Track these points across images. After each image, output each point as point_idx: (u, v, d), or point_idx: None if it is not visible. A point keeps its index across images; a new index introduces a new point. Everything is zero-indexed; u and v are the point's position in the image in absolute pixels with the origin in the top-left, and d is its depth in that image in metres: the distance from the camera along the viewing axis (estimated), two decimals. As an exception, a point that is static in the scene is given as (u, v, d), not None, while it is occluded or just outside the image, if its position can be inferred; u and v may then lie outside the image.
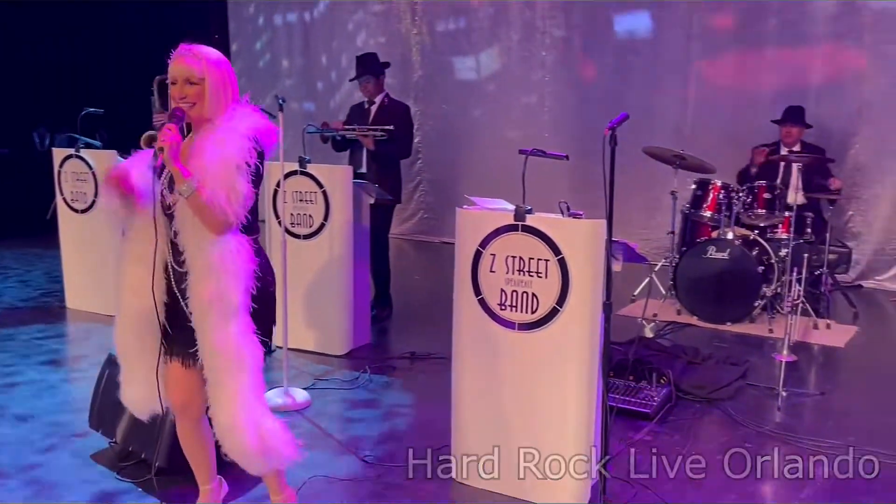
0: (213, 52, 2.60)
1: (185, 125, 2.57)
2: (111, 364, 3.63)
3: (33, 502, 3.20)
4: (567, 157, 3.36)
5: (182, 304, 2.60)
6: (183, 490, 3.17)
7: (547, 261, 3.12)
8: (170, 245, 2.60)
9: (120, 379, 2.76)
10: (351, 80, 5.99)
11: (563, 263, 3.09)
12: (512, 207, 3.22)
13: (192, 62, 2.52)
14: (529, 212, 3.16)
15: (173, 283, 2.61)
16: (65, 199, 5.98)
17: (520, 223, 3.16)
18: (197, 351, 2.58)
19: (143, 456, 3.40)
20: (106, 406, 3.58)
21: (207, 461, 2.93)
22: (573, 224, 3.10)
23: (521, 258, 3.17)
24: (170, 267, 2.61)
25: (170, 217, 2.57)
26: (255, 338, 2.59)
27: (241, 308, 2.54)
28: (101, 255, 5.70)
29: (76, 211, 5.94)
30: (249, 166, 2.49)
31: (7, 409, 4.12)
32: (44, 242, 7.06)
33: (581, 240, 3.08)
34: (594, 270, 3.07)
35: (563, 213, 3.14)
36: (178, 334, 2.66)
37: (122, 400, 2.80)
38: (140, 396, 2.73)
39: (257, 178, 2.55)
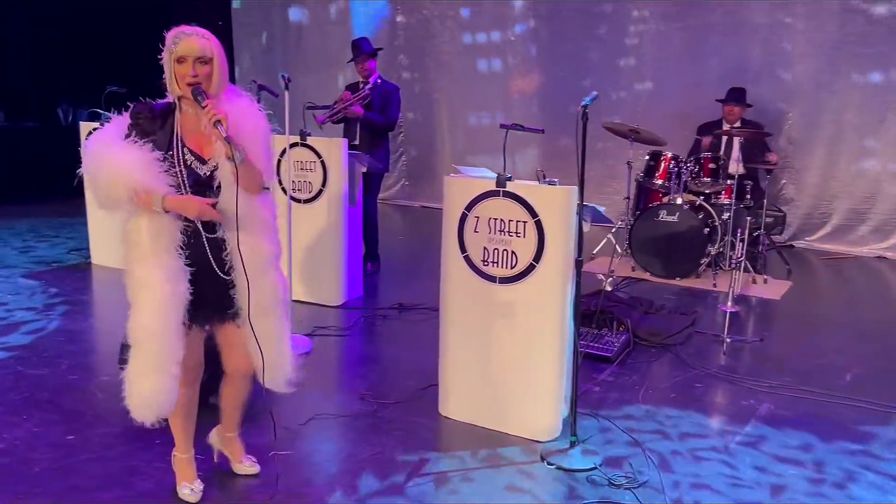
0: (212, 35, 2.46)
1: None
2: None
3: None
4: (543, 131, 3.32)
5: (217, 270, 2.45)
6: (201, 424, 3.13)
7: (525, 222, 3.09)
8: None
9: (130, 374, 2.43)
10: (348, 62, 5.88)
11: (539, 225, 3.06)
12: (494, 175, 3.18)
13: (202, 42, 2.38)
14: (509, 179, 3.12)
15: (208, 251, 2.45)
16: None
17: (501, 189, 3.12)
18: (220, 312, 2.50)
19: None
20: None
21: (192, 428, 2.73)
22: (548, 190, 3.07)
23: (501, 220, 3.14)
24: (204, 237, 2.44)
25: (196, 187, 2.41)
26: (284, 276, 2.63)
27: (273, 254, 2.55)
28: (121, 216, 5.58)
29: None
30: (270, 133, 2.50)
31: (42, 353, 4.05)
32: (71, 207, 6.90)
33: (555, 203, 3.05)
34: (566, 230, 3.06)
35: (539, 180, 3.10)
36: (214, 300, 2.50)
37: (132, 397, 2.44)
38: (156, 388, 2.41)
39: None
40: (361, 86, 5.66)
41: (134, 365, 2.41)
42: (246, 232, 2.44)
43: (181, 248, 2.41)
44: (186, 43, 2.36)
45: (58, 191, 6.65)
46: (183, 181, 2.39)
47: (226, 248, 2.46)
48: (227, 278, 2.47)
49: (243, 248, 2.43)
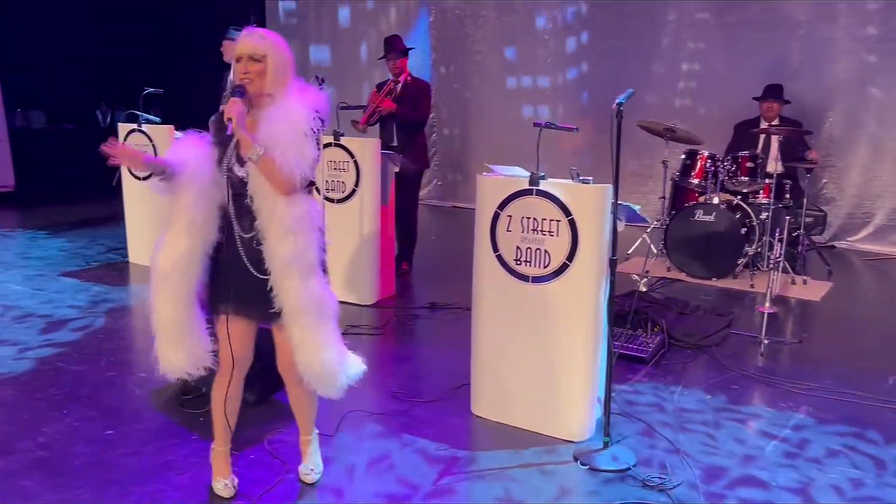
0: (275, 35, 2.53)
1: (247, 99, 2.48)
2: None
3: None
4: (577, 130, 3.30)
5: (252, 270, 2.50)
6: (239, 419, 3.18)
7: (558, 221, 3.08)
8: (234, 214, 2.50)
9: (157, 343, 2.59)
10: (379, 59, 5.92)
11: (572, 224, 3.05)
12: (527, 174, 3.18)
13: (256, 40, 2.46)
14: (543, 178, 3.11)
15: (239, 248, 2.51)
16: (128, 168, 5.97)
17: (534, 188, 3.11)
18: (261, 308, 2.52)
19: (203, 390, 3.40)
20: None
21: (234, 422, 2.77)
22: (582, 188, 3.06)
23: (534, 219, 3.13)
24: (236, 235, 2.51)
25: (237, 188, 2.49)
26: (330, 289, 2.54)
27: (317, 263, 2.50)
28: (159, 217, 5.68)
29: (137, 178, 5.94)
30: (315, 133, 2.45)
31: (82, 350, 4.15)
32: (109, 206, 7.06)
33: (589, 202, 3.04)
34: (600, 229, 3.04)
35: (573, 178, 3.09)
36: (250, 300, 2.54)
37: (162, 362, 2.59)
38: (177, 357, 2.57)
39: (319, 145, 2.50)
40: (393, 83, 5.69)
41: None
42: (282, 233, 2.44)
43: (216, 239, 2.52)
44: (242, 42, 2.47)
45: (97, 191, 6.82)
46: (228, 182, 2.47)
47: (260, 246, 2.49)
48: (265, 277, 2.48)
49: (275, 249, 2.45)
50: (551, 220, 3.09)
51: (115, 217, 6.27)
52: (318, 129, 2.46)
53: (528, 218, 3.14)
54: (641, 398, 3.64)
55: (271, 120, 2.45)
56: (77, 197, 8.87)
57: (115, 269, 5.90)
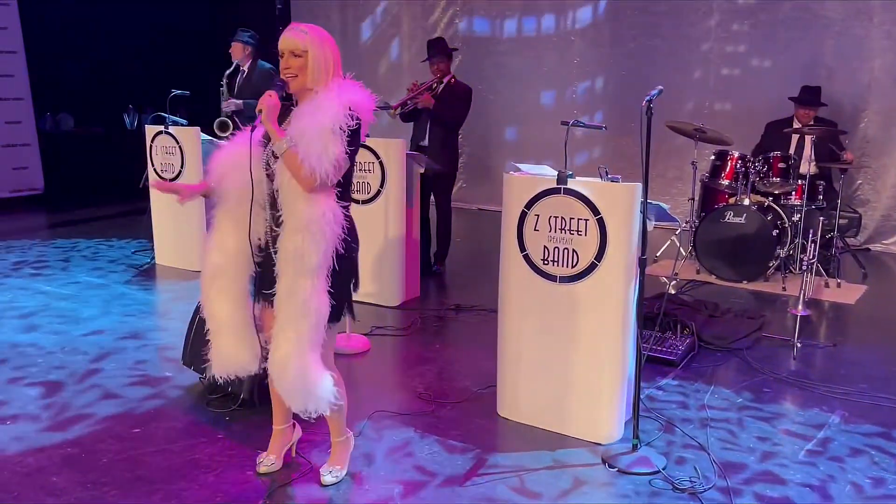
0: (318, 30, 2.56)
1: (286, 94, 2.56)
2: (202, 309, 3.69)
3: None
4: (605, 128, 3.29)
5: (272, 252, 2.59)
6: (263, 421, 3.21)
7: (587, 220, 3.06)
8: (269, 205, 2.59)
9: (210, 339, 2.71)
10: (423, 62, 5.92)
11: (601, 223, 3.03)
12: (554, 173, 3.17)
13: (297, 35, 2.50)
14: (571, 176, 3.10)
15: (269, 238, 2.60)
16: (155, 170, 6.05)
17: (562, 186, 3.10)
18: (266, 288, 2.61)
19: (229, 390, 3.44)
20: (197, 346, 3.62)
21: (285, 404, 2.84)
22: (611, 187, 3.04)
23: (562, 218, 3.12)
24: (268, 224, 2.60)
25: (271, 179, 2.57)
26: (325, 297, 2.50)
27: (319, 267, 2.48)
28: (186, 218, 5.79)
29: (165, 180, 6.01)
30: (344, 130, 2.44)
31: (110, 350, 4.21)
32: (136, 208, 7.16)
33: (618, 201, 3.02)
34: (629, 229, 3.02)
35: (602, 176, 3.07)
36: (268, 277, 2.62)
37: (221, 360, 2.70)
38: (233, 350, 2.68)
39: (353, 143, 2.49)
40: (434, 85, 5.67)
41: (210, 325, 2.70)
42: (293, 229, 2.48)
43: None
44: (284, 38, 2.53)
45: (124, 193, 6.94)
46: (267, 177, 2.57)
47: (279, 225, 2.55)
48: (275, 259, 2.55)
49: (284, 242, 2.50)
50: (579, 220, 3.08)
51: (143, 219, 6.35)
52: (348, 127, 2.45)
53: (556, 217, 3.13)
54: (671, 400, 3.61)
55: (303, 114, 2.49)
56: (105, 199, 9.01)
57: (143, 271, 5.98)
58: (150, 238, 6.27)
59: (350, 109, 2.46)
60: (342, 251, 2.53)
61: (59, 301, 5.12)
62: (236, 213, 2.61)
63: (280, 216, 2.53)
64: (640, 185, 2.96)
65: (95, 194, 9.30)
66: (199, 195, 2.77)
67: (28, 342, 4.31)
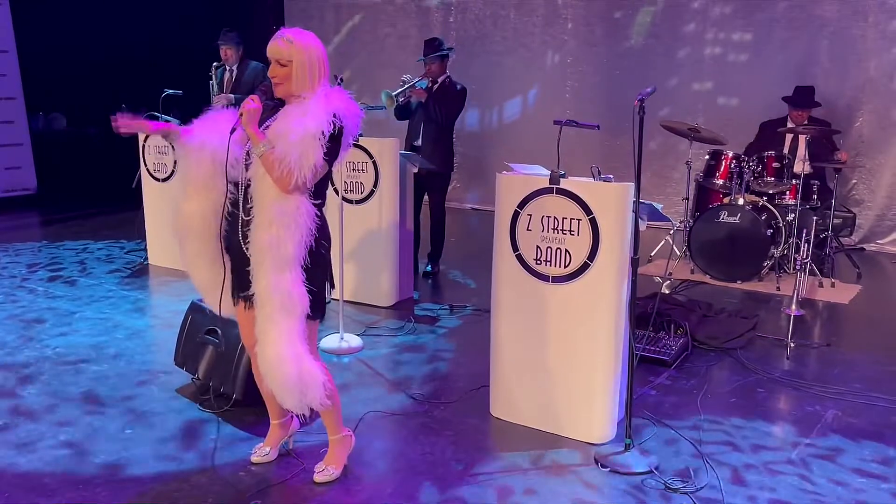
0: (304, 37, 2.58)
1: (270, 99, 2.62)
2: (194, 310, 3.70)
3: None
4: (598, 127, 3.30)
5: (244, 249, 2.63)
6: (258, 420, 3.23)
7: (579, 220, 3.08)
8: (242, 196, 2.64)
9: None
10: (418, 61, 5.92)
11: (593, 223, 3.05)
12: (547, 172, 3.18)
13: (282, 45, 2.54)
14: (563, 176, 3.12)
15: (240, 229, 2.65)
16: (148, 170, 6.05)
17: (555, 186, 3.12)
18: (241, 289, 2.65)
19: (221, 390, 3.45)
20: (189, 346, 3.65)
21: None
22: (604, 187, 3.06)
23: (555, 218, 3.13)
24: (240, 216, 2.65)
25: (247, 168, 2.62)
26: (303, 288, 2.56)
27: (294, 259, 2.54)
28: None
29: (158, 180, 6.02)
30: (324, 136, 2.48)
31: (104, 351, 4.21)
32: (129, 208, 7.15)
33: (611, 201, 3.03)
34: (622, 229, 3.04)
35: (594, 176, 3.09)
36: (241, 277, 2.67)
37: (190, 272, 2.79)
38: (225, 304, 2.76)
39: (332, 150, 2.53)
40: (429, 84, 5.66)
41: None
42: (266, 222, 2.52)
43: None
44: (270, 47, 2.57)
45: (117, 193, 6.93)
46: (244, 164, 2.62)
47: (249, 226, 2.59)
48: (248, 255, 2.59)
49: (257, 235, 2.54)
50: (572, 219, 3.09)
51: (136, 219, 6.34)
52: (328, 133, 2.49)
53: (549, 217, 3.15)
54: (664, 400, 3.62)
55: (289, 116, 2.54)
56: (98, 199, 9.00)
57: (136, 271, 5.98)
58: (143, 238, 6.27)
59: (335, 116, 2.51)
60: (314, 247, 2.58)
61: (50, 301, 5.11)
62: (192, 174, 2.69)
63: (250, 208, 2.58)
64: (632, 185, 2.98)
65: (89, 194, 9.29)
66: (162, 134, 2.86)
67: (18, 342, 4.31)
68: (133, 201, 6.39)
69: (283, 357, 2.53)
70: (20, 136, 9.27)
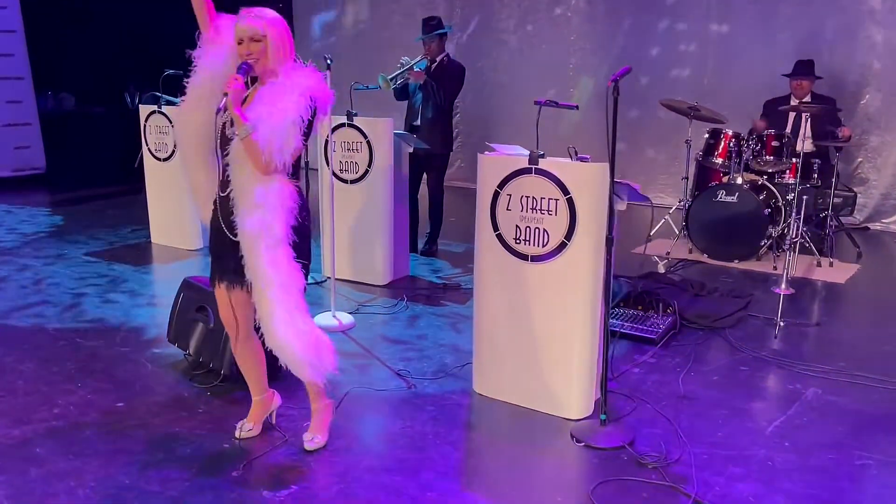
0: (270, 12, 2.68)
1: (250, 77, 2.68)
2: (187, 287, 3.81)
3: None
4: (577, 108, 3.35)
5: (225, 230, 2.70)
6: (245, 395, 3.33)
7: (557, 200, 3.14)
8: (220, 174, 2.73)
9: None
10: (417, 40, 5.96)
11: (571, 202, 3.11)
12: (527, 153, 3.24)
13: (254, 21, 2.61)
14: (542, 156, 3.17)
15: (218, 208, 2.74)
16: (149, 150, 6.17)
17: (533, 166, 3.18)
18: (240, 275, 2.70)
19: (211, 365, 3.57)
20: (182, 323, 3.76)
21: (258, 374, 3.06)
22: (580, 167, 3.11)
23: (533, 198, 3.19)
24: (216, 195, 2.74)
25: (224, 146, 2.68)
26: (296, 264, 2.67)
27: (284, 238, 2.63)
28: (179, 198, 5.89)
29: (159, 159, 6.13)
30: (303, 122, 2.58)
31: (99, 326, 4.35)
32: (133, 188, 7.30)
33: (587, 181, 3.09)
34: (599, 208, 3.09)
35: (571, 157, 3.14)
36: (223, 259, 2.77)
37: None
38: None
39: (307, 133, 2.64)
40: (428, 63, 5.69)
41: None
42: (251, 206, 2.59)
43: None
44: (240, 25, 2.62)
45: (121, 172, 7.07)
46: (217, 137, 2.68)
47: (233, 210, 2.66)
48: (236, 239, 2.67)
49: (244, 220, 2.61)
50: (550, 199, 3.16)
51: (139, 198, 6.47)
52: (307, 118, 2.58)
53: (528, 197, 3.21)
54: (645, 378, 3.70)
55: (264, 100, 2.60)
56: (105, 178, 9.15)
57: (137, 250, 6.11)
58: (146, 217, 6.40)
59: (311, 100, 2.59)
60: (298, 221, 2.68)
61: (51, 277, 5.26)
62: (198, 91, 2.77)
63: (229, 189, 2.66)
64: (608, 166, 3.03)
65: (96, 173, 9.43)
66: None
67: (16, 318, 4.46)
68: (137, 181, 6.51)
69: (295, 333, 2.64)
70: (29, 116, 9.43)
